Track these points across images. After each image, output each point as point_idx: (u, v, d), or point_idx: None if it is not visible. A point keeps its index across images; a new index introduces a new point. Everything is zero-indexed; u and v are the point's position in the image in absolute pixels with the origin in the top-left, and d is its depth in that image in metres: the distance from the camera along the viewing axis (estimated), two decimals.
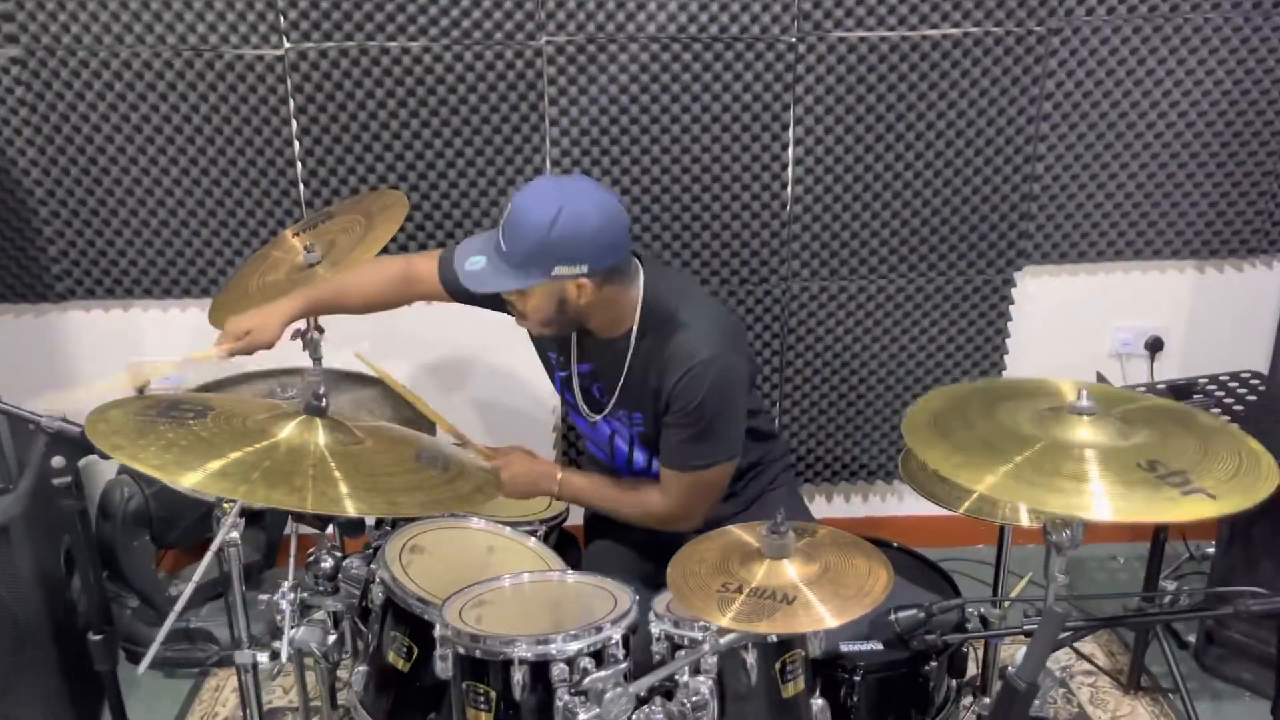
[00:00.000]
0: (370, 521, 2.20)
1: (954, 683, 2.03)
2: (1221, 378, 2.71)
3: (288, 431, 1.63)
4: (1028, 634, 1.70)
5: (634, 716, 1.60)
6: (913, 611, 1.86)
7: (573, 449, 3.13)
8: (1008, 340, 3.06)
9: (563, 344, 2.20)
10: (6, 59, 2.69)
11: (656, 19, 2.70)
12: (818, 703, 1.77)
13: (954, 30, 2.74)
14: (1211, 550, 2.81)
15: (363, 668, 2.01)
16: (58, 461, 1.78)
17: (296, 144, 2.80)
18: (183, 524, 2.79)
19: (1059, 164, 2.90)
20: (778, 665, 1.69)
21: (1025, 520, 2.07)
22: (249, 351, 2.15)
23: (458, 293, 2.23)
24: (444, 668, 1.74)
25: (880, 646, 1.90)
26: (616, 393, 2.15)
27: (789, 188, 2.87)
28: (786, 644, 1.70)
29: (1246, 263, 3.07)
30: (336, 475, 1.57)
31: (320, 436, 1.64)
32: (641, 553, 2.25)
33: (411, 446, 1.75)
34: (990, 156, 2.86)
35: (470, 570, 1.98)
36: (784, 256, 2.93)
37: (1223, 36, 2.78)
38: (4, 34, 2.67)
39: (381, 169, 2.83)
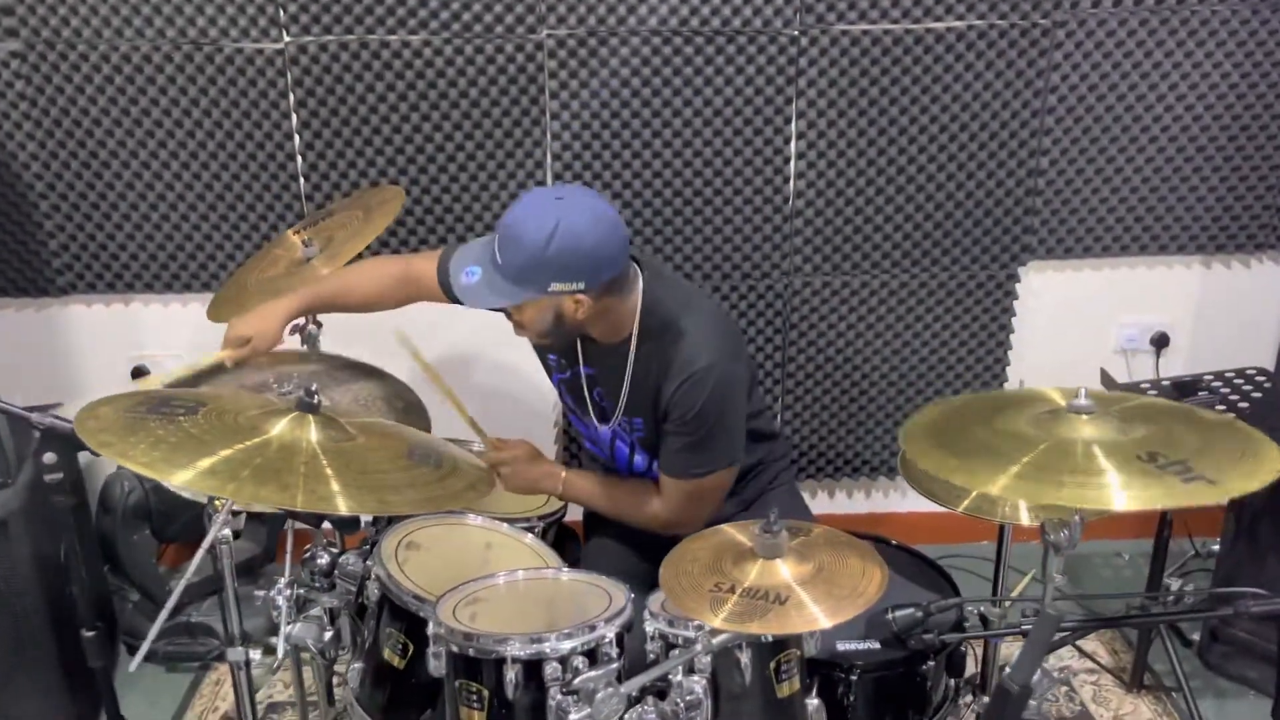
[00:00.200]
0: (367, 517, 2.20)
1: (952, 682, 2.01)
2: (1227, 374, 2.68)
3: (280, 428, 1.62)
4: (1026, 634, 1.69)
5: (626, 716, 1.59)
6: (910, 611, 1.85)
7: (574, 444, 3.12)
8: (1012, 336, 3.04)
9: (565, 349, 2.19)
10: (6, 53, 2.69)
11: (658, 12, 2.68)
12: (813, 702, 1.76)
13: (958, 23, 2.72)
14: (1217, 547, 2.79)
15: (358, 664, 2.01)
16: (49, 458, 1.77)
17: (297, 138, 2.79)
18: (183, 518, 2.80)
19: (1064, 158, 2.87)
20: (772, 665, 1.67)
21: (1025, 519, 2.06)
22: (252, 357, 2.18)
23: (455, 296, 2.22)
24: (437, 665, 1.73)
25: (877, 645, 1.90)
26: (622, 400, 2.13)
27: (791, 182, 2.86)
28: (781, 643, 1.68)
29: (1254, 258, 3.04)
30: (328, 473, 1.56)
31: (312, 433, 1.63)
32: (640, 550, 2.24)
33: (404, 443, 1.74)
34: (994, 151, 2.84)
35: (467, 567, 1.97)
36: (786, 251, 2.91)
37: (1230, 29, 2.75)
38: (4, 28, 2.66)
39: (382, 163, 2.82)
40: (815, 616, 1.51)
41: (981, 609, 2.05)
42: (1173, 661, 2.59)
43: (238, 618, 1.75)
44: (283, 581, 1.91)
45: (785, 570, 1.58)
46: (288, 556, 1.99)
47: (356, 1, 2.66)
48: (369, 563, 2.00)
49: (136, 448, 1.47)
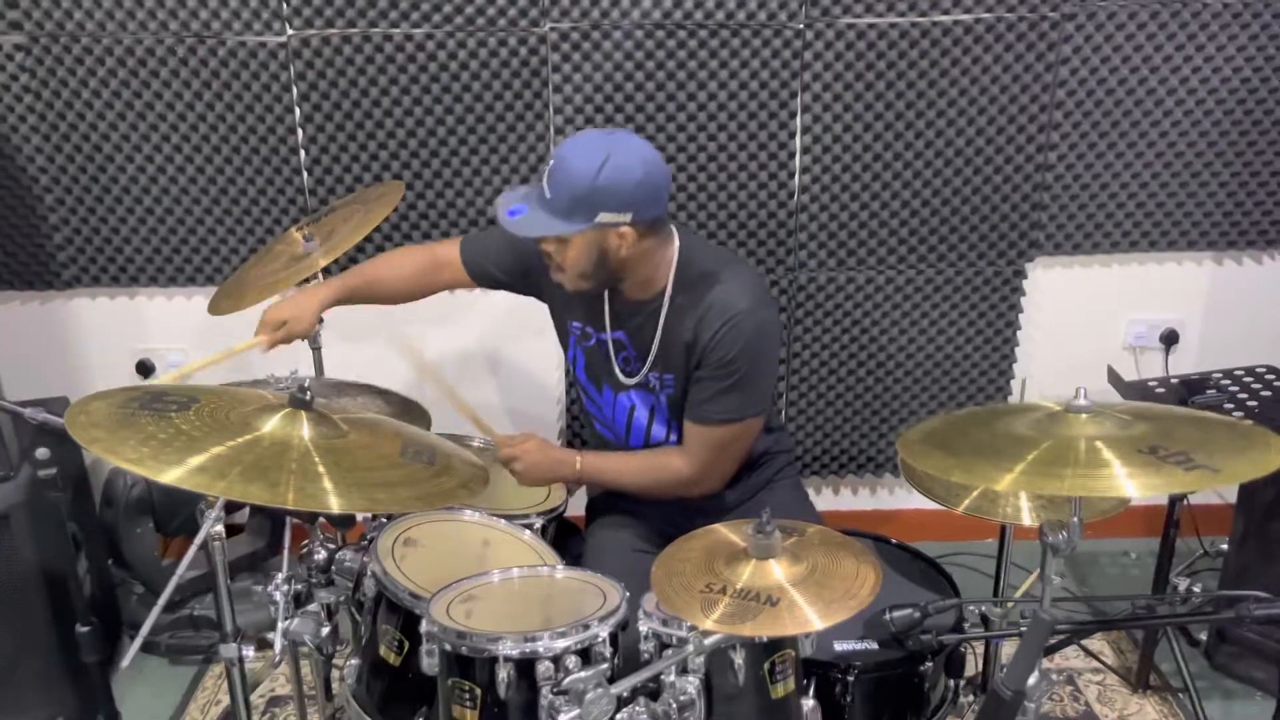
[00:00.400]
0: (364, 514, 2.19)
1: (951, 682, 1.99)
2: (1236, 372, 2.65)
3: (272, 425, 1.61)
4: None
5: (618, 717, 1.58)
6: (908, 611, 1.84)
7: (577, 440, 3.11)
8: (1019, 333, 3.01)
9: (591, 313, 2.20)
10: (10, 46, 2.69)
11: (662, 5, 2.66)
12: (808, 703, 1.74)
13: (966, 16, 2.69)
14: (1226, 546, 2.76)
15: (355, 661, 2.01)
16: (42, 453, 1.77)
17: (299, 131, 2.79)
18: (185, 513, 2.79)
19: (1073, 153, 2.84)
20: (766, 665, 1.66)
21: (1027, 519, 2.04)
22: (288, 341, 2.22)
23: (481, 276, 2.31)
24: (430, 664, 1.72)
25: (875, 646, 1.88)
26: (651, 354, 2.15)
27: (796, 177, 2.84)
28: (776, 644, 1.66)
29: (1265, 254, 3.00)
30: (320, 470, 1.55)
31: (305, 430, 1.62)
32: (642, 547, 2.24)
33: (398, 440, 1.73)
34: (1002, 145, 2.81)
35: (465, 564, 1.96)
36: (791, 247, 2.89)
37: (1242, 23, 2.72)
38: (8, 21, 2.67)
39: (385, 156, 2.81)
40: (807, 619, 1.49)
41: (983, 608, 2.04)
42: (1179, 661, 2.56)
43: (231, 613, 1.74)
44: (280, 577, 1.91)
45: (778, 571, 1.57)
46: (285, 551, 1.99)
47: None
48: (365, 559, 2.00)
49: (126, 443, 1.46)
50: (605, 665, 1.62)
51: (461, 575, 1.87)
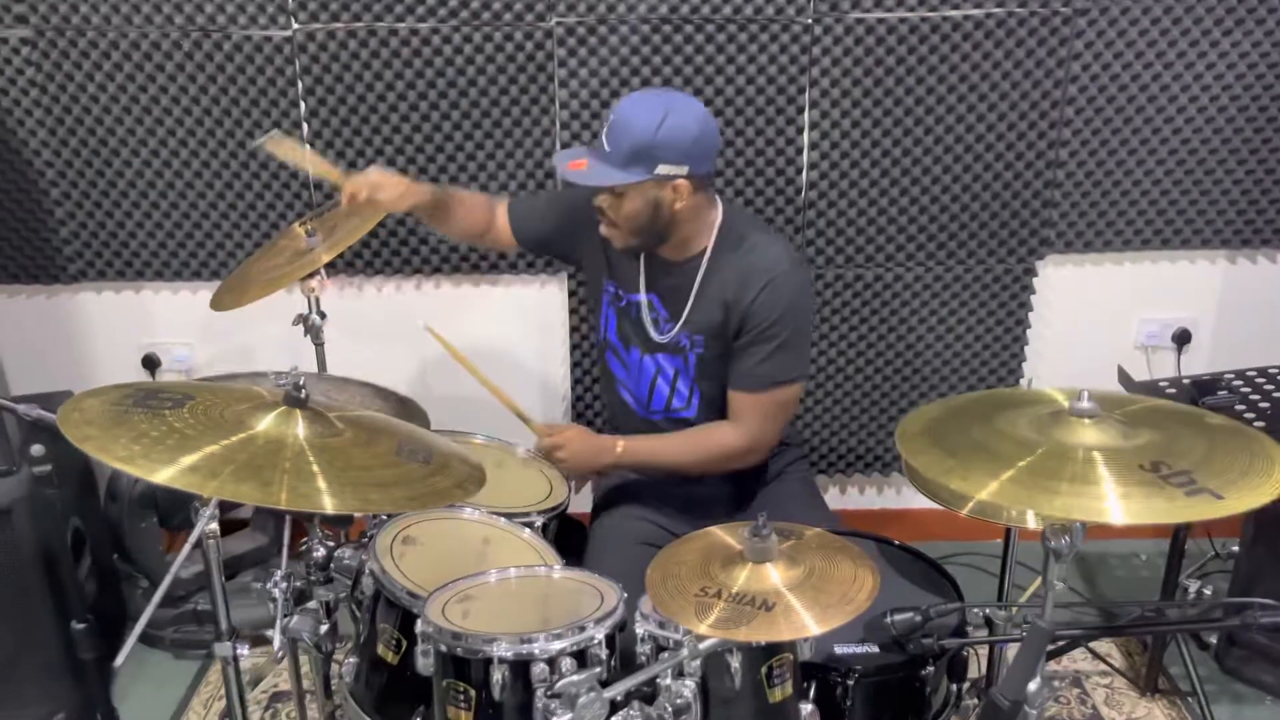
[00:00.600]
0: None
1: (954, 686, 1.97)
2: (1249, 373, 2.61)
3: (266, 423, 1.60)
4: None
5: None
6: (909, 615, 1.81)
7: (582, 421, 3.09)
8: (1028, 332, 2.97)
9: (626, 275, 2.26)
10: (16, 39, 2.69)
11: None
12: (807, 708, 1.72)
13: (976, 11, 2.66)
14: (1237, 548, 2.73)
15: (353, 659, 2.00)
16: (37, 450, 1.76)
17: (305, 125, 2.78)
18: (189, 507, 2.79)
19: (1084, 149, 2.81)
20: (764, 669, 1.64)
21: (1032, 523, 2.01)
22: (369, 200, 2.17)
23: (524, 233, 2.38)
24: (425, 664, 1.71)
25: (876, 649, 1.86)
26: (685, 314, 2.21)
27: (804, 173, 2.81)
28: (774, 648, 1.64)
29: None
30: (314, 469, 1.54)
31: (299, 428, 1.61)
32: (648, 540, 2.22)
33: (394, 438, 1.72)
34: (1012, 142, 2.78)
35: (464, 562, 1.95)
36: (798, 244, 2.87)
37: (1258, 17, 2.68)
38: (14, 14, 2.67)
39: (390, 151, 2.80)
40: (803, 624, 1.47)
41: (987, 611, 2.01)
42: (1188, 665, 2.54)
43: (226, 611, 1.73)
44: (279, 574, 1.90)
45: (775, 575, 1.54)
46: (284, 548, 1.99)
47: None
48: (364, 556, 1.99)
49: (118, 441, 1.45)
50: (599, 668, 1.61)
51: (461, 574, 1.86)
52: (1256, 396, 2.50)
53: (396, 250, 2.90)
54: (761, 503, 2.34)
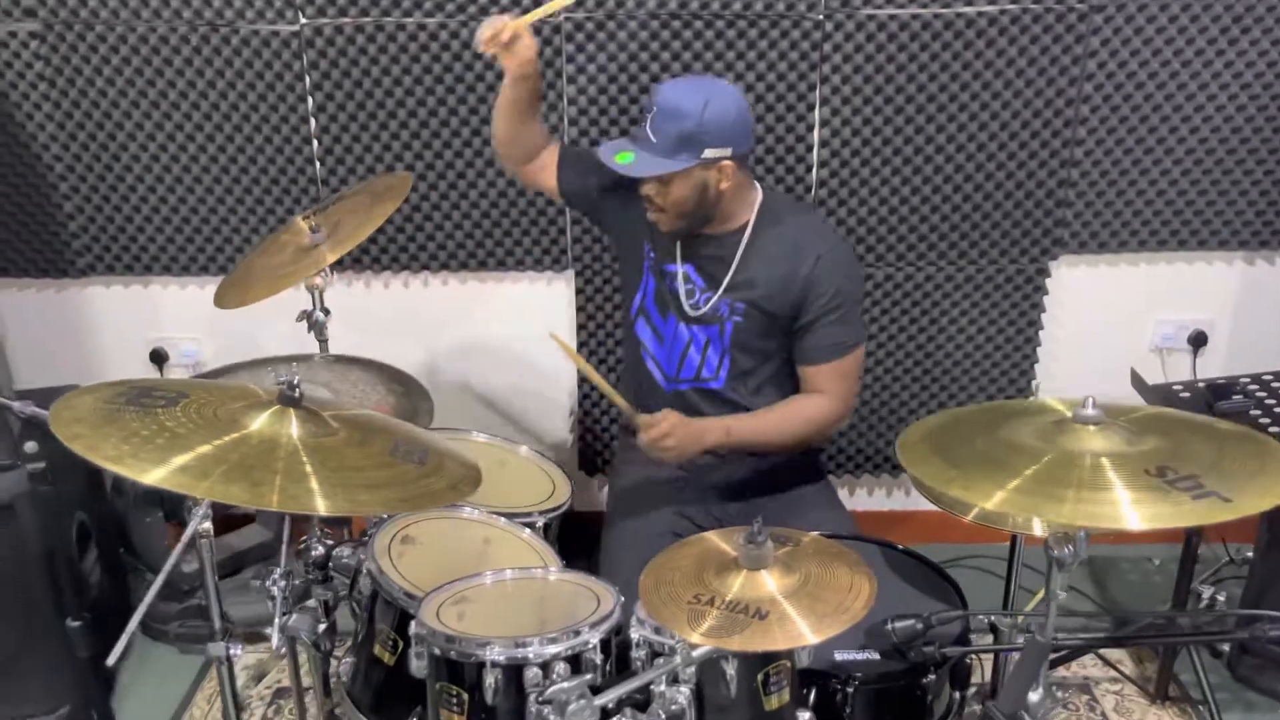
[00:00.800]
0: None
1: (956, 694, 1.94)
2: (1265, 377, 2.56)
3: (260, 423, 1.59)
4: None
5: None
6: (910, 622, 1.79)
7: (588, 433, 3.08)
8: (1042, 333, 2.94)
9: (663, 245, 2.30)
10: (25, 34, 2.69)
11: None
12: (804, 715, 1.69)
13: (990, 7, 2.62)
14: (1251, 554, 2.69)
15: (350, 659, 1.99)
16: (30, 447, 1.76)
17: (312, 120, 2.77)
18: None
19: (1099, 148, 2.76)
20: (760, 677, 1.62)
21: (1038, 530, 1.98)
22: (511, 40, 2.14)
23: (568, 180, 2.39)
24: (420, 666, 1.70)
25: (877, 656, 1.83)
26: (725, 282, 2.25)
27: (814, 171, 2.78)
28: (771, 655, 1.62)
29: None
30: (307, 470, 1.52)
31: (293, 428, 1.60)
32: (667, 530, 2.24)
33: (390, 438, 1.70)
34: (1026, 140, 2.74)
35: (463, 562, 1.94)
36: None
37: (1276, 15, 2.62)
38: (22, 8, 2.67)
39: (397, 146, 2.79)
40: (798, 633, 1.45)
41: (993, 618, 1.98)
42: (1199, 673, 2.50)
43: (219, 611, 1.72)
44: (278, 572, 1.90)
45: (770, 582, 1.52)
46: (284, 547, 1.98)
47: None
48: (362, 556, 1.98)
49: (107, 440, 1.44)
50: (591, 675, 1.59)
51: (460, 574, 1.85)
52: (1272, 401, 2.46)
53: (404, 247, 2.89)
54: (779, 502, 2.34)
